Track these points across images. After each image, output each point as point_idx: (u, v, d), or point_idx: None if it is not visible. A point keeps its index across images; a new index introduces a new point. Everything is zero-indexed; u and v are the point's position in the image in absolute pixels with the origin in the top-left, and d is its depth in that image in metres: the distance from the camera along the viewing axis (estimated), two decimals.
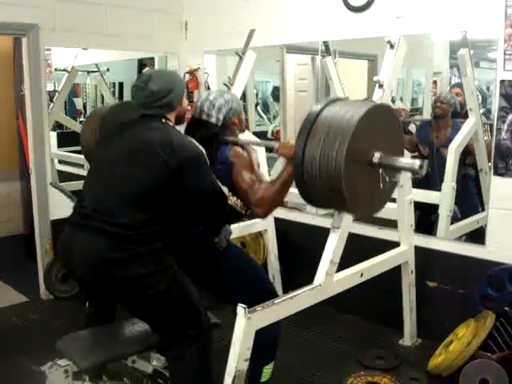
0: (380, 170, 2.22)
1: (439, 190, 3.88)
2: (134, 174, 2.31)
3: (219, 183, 2.45)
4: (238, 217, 2.62)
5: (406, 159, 2.28)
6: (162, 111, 2.45)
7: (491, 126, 3.35)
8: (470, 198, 3.99)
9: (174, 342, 2.40)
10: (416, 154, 4.29)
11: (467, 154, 3.91)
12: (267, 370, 2.73)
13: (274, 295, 2.70)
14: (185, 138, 2.42)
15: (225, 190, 2.46)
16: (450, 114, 4.18)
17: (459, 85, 4.11)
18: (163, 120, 2.44)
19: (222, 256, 2.70)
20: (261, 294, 2.63)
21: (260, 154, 3.65)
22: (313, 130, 2.18)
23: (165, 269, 2.34)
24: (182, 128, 2.69)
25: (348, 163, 2.06)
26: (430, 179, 4.23)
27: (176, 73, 2.61)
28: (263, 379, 2.73)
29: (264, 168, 3.70)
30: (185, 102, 2.58)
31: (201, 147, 2.41)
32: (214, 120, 2.67)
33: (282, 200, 2.56)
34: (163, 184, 2.31)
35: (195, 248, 2.70)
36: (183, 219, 2.49)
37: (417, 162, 2.20)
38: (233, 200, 2.50)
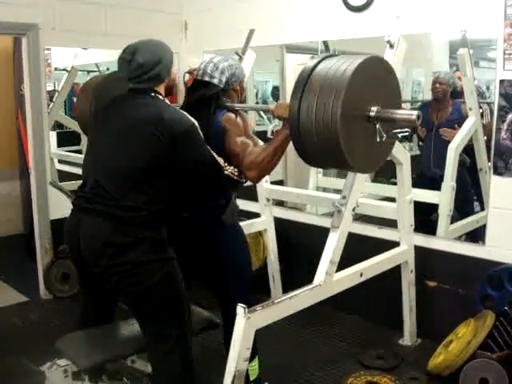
0: (377, 125, 2.20)
1: (433, 173, 3.89)
2: (130, 154, 2.30)
3: (215, 154, 2.40)
4: (236, 186, 2.58)
5: (403, 111, 2.26)
6: (151, 84, 2.41)
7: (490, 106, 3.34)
8: (463, 188, 3.96)
9: (156, 342, 2.38)
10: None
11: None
12: (253, 368, 2.74)
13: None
14: (176, 111, 2.38)
15: (220, 160, 2.42)
16: (450, 94, 4.14)
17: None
18: (153, 94, 2.40)
19: (225, 233, 2.72)
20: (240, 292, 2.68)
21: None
22: (307, 85, 2.14)
23: (164, 260, 2.33)
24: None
25: (344, 116, 2.04)
26: (425, 160, 4.25)
27: (163, 43, 2.50)
28: (252, 377, 2.74)
29: None
30: (173, 72, 2.53)
31: (192, 119, 2.36)
32: (216, 81, 2.65)
33: (274, 165, 2.49)
34: (159, 160, 2.29)
35: (200, 222, 2.71)
36: (183, 195, 2.48)
37: (414, 113, 2.19)
38: (229, 170, 2.44)
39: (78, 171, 3.36)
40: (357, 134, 2.18)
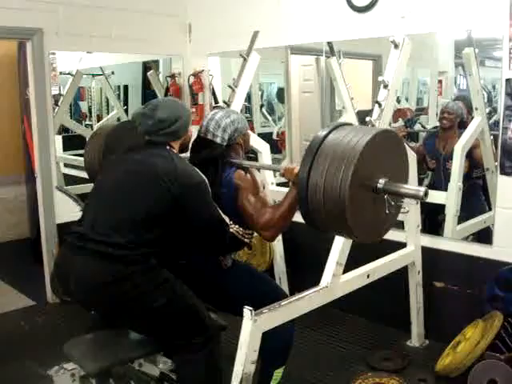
0: (385, 196, 2.21)
1: None
2: (136, 198, 2.34)
3: (221, 212, 2.43)
4: (239, 245, 2.60)
5: (411, 186, 2.27)
6: (168, 139, 2.48)
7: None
8: (476, 205, 3.95)
9: (182, 349, 2.41)
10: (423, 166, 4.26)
11: (475, 162, 3.90)
12: (278, 374, 2.72)
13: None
14: (188, 166, 2.43)
15: (226, 219, 2.45)
16: (457, 124, 4.13)
17: (461, 97, 4.11)
18: (168, 147, 2.47)
19: (228, 276, 2.70)
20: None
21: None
22: (317, 155, 2.16)
23: (162, 283, 2.34)
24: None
25: (353, 190, 2.06)
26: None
27: (183, 102, 2.64)
28: (273, 383, 2.72)
29: (268, 181, 3.72)
30: (190, 131, 2.61)
31: (203, 176, 2.41)
32: (219, 140, 2.64)
33: (288, 223, 2.56)
34: (164, 210, 2.33)
35: (200, 269, 2.70)
36: (183, 245, 2.51)
37: (421, 189, 2.20)
38: (234, 229, 2.48)
39: (84, 175, 3.40)
40: (363, 205, 2.17)
